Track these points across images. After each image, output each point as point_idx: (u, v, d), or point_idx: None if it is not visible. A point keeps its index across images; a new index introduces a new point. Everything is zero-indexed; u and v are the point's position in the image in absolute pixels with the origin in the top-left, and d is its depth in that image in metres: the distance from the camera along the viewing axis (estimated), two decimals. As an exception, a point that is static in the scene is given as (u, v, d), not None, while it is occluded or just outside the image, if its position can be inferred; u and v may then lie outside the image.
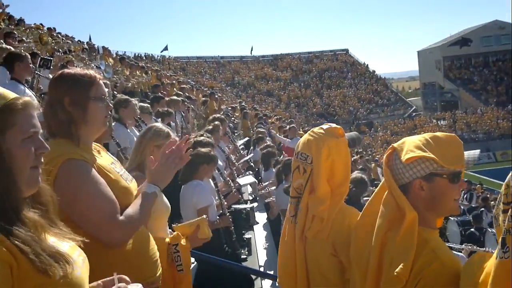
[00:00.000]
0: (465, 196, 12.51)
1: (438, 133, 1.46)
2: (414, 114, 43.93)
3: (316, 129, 1.89)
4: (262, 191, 5.73)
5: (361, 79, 49.74)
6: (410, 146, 1.41)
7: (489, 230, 8.58)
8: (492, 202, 15.36)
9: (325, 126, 1.87)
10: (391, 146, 1.48)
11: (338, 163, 1.82)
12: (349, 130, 38.72)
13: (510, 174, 1.05)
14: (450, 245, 5.35)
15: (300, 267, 1.86)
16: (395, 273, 1.33)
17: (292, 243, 1.89)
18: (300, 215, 1.85)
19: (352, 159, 10.40)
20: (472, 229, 8.78)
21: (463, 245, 5.48)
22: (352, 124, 40.83)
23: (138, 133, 4.89)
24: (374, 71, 51.55)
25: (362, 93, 46.85)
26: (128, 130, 4.75)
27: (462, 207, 11.41)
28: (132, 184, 1.78)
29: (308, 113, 42.41)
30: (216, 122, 6.02)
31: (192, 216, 3.57)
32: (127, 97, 5.09)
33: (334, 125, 1.91)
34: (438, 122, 40.75)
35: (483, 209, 11.26)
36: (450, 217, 9.01)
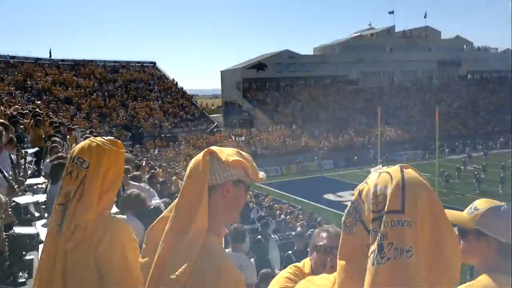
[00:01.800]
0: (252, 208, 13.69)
1: (240, 151, 1.59)
2: (215, 130, 46.46)
3: (98, 138, 1.91)
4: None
5: (168, 93, 50.28)
6: (229, 152, 1.52)
7: (272, 236, 9.65)
8: (278, 212, 17.35)
9: (106, 137, 1.93)
10: (207, 149, 1.54)
11: (113, 172, 1.86)
12: (154, 143, 38.59)
13: (373, 185, 1.11)
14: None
15: (57, 284, 1.76)
16: (174, 276, 1.36)
17: (53, 257, 1.79)
18: (66, 224, 1.79)
19: (152, 171, 10.42)
20: (259, 236, 9.69)
21: None
22: (157, 137, 40.82)
23: None
24: (182, 88, 52.73)
25: (168, 106, 47.38)
26: None
27: (252, 216, 12.54)
28: None
29: (111, 124, 40.66)
30: (-1, 128, 5.30)
31: None
32: None
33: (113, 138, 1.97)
34: (236, 138, 43.99)
35: (269, 217, 12.56)
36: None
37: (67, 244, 1.76)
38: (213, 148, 1.54)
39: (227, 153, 1.52)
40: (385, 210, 1.06)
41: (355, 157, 40.67)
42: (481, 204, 1.76)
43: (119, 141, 1.95)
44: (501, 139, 47.90)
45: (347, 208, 1.17)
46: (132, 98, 46.84)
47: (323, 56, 60.97)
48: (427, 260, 1.06)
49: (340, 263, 1.16)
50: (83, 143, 1.90)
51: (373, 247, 1.05)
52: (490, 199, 1.81)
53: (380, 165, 1.21)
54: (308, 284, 1.35)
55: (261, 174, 1.59)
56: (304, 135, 45.12)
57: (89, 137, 2.11)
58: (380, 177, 1.11)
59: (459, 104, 57.92)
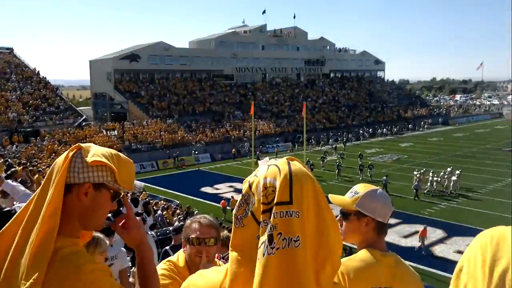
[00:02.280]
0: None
1: (121, 154, 1.48)
2: (84, 123, 43.41)
3: None
4: None
5: (28, 83, 45.54)
6: (98, 152, 1.40)
7: (149, 233, 9.38)
8: (155, 207, 16.97)
9: None
10: (77, 144, 1.42)
11: None
12: (11, 139, 34.69)
13: (263, 177, 1.13)
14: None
15: None
16: None
17: None
18: None
19: (13, 169, 9.37)
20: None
21: None
22: (14, 132, 36.76)
23: None
24: (45, 78, 48.19)
25: (28, 98, 42.89)
26: None
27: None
28: None
29: (-43, 117, 35.49)
30: None
31: None
32: None
33: None
34: (108, 132, 41.76)
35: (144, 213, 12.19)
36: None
37: None
38: (84, 145, 1.42)
39: (95, 152, 1.39)
40: (275, 201, 1.09)
41: (233, 150, 41.74)
42: (360, 188, 1.96)
43: None
44: (360, 131, 53.56)
45: (238, 201, 1.19)
46: (-17, 87, 41.42)
47: (199, 50, 61.04)
48: (313, 248, 1.11)
49: (232, 254, 1.17)
50: None
51: (263, 238, 1.08)
52: (368, 184, 2.02)
53: (267, 158, 1.24)
54: (199, 278, 1.32)
55: (137, 184, 1.51)
56: (180, 129, 44.73)
57: None
58: (269, 169, 1.15)
59: (323, 100, 62.84)
